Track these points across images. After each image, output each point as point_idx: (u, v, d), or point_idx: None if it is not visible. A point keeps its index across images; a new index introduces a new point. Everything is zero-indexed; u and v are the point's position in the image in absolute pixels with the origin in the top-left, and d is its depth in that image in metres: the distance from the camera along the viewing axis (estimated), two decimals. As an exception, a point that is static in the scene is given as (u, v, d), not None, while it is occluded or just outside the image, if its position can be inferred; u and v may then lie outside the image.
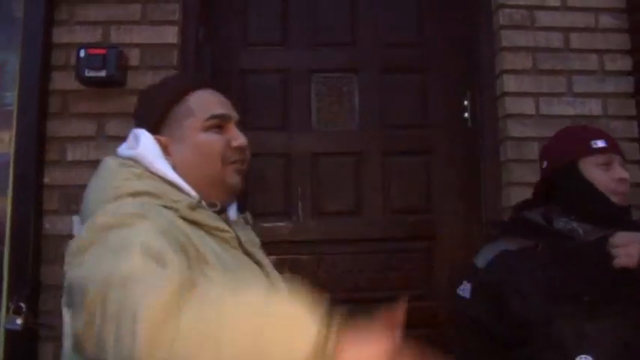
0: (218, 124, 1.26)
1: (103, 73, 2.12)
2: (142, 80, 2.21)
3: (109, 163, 1.21)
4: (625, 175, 1.68)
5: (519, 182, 2.30)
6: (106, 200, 1.11)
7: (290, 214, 2.41)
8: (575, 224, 1.70)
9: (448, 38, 2.54)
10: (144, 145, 1.22)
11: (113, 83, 2.18)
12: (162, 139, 1.23)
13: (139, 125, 1.27)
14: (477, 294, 1.69)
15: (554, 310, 1.58)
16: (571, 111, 2.38)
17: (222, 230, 1.17)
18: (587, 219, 1.69)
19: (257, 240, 1.31)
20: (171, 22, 2.28)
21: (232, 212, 1.31)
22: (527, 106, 2.36)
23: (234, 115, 1.29)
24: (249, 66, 2.47)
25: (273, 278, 1.22)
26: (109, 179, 1.16)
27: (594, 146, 1.70)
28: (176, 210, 1.12)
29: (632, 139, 2.39)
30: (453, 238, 2.43)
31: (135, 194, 1.12)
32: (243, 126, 1.30)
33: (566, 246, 1.67)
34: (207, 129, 1.25)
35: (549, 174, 1.77)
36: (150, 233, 0.97)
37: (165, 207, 1.11)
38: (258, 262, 1.21)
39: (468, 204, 2.44)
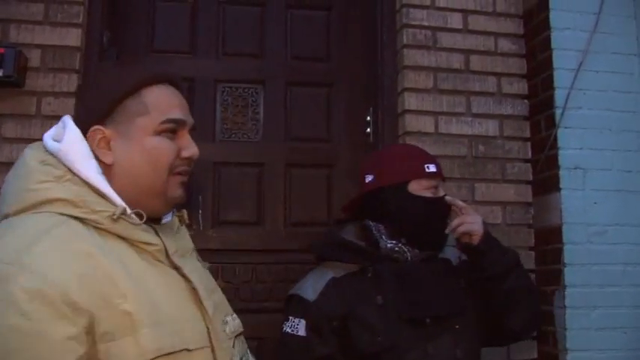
0: (172, 129, 1.22)
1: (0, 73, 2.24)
2: (42, 82, 2.39)
3: (27, 158, 1.16)
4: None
5: (416, 197, 2.58)
6: (20, 204, 1.12)
7: (190, 223, 2.60)
8: (405, 248, 1.86)
9: (354, 54, 2.84)
10: (69, 140, 1.18)
11: (10, 84, 2.30)
12: (107, 131, 1.20)
13: (85, 112, 1.23)
14: (317, 330, 1.75)
15: (399, 336, 1.72)
16: (469, 130, 2.69)
17: (147, 243, 1.16)
18: (417, 243, 1.86)
19: (189, 245, 1.32)
20: (74, 25, 2.44)
21: (167, 215, 1.30)
22: (426, 124, 2.66)
23: (190, 120, 1.26)
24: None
25: (201, 291, 1.20)
26: (25, 179, 1.14)
27: (427, 170, 1.88)
28: (96, 221, 1.12)
29: (526, 160, 2.72)
30: (351, 251, 2.68)
31: (51, 202, 1.11)
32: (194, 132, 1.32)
33: (399, 268, 1.81)
34: (159, 133, 1.21)
35: (374, 189, 1.89)
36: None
37: (84, 219, 1.11)
38: (184, 276, 1.19)
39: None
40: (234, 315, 1.33)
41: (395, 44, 2.76)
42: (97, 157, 1.19)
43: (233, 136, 2.72)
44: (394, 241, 1.86)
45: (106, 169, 1.19)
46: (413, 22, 2.71)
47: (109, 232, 1.13)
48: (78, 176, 1.15)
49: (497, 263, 1.82)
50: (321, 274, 1.85)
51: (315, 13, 2.85)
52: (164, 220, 1.28)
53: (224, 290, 2.44)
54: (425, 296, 1.78)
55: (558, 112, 2.56)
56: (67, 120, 1.23)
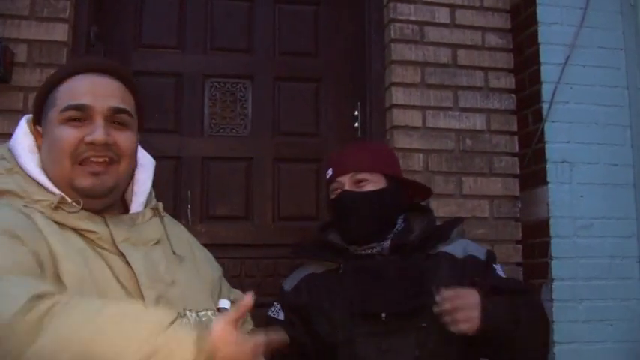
0: (74, 116, 1.23)
1: None
2: (28, 78, 2.38)
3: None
4: None
5: (404, 192, 2.59)
6: None
7: (179, 218, 2.59)
8: (346, 244, 1.91)
9: (342, 49, 2.85)
10: (15, 137, 1.29)
11: (-4, 78, 2.29)
12: (40, 129, 1.28)
13: (33, 111, 1.32)
14: (288, 316, 1.85)
15: (356, 329, 1.73)
16: (456, 125, 2.70)
17: (87, 231, 1.21)
18: (348, 239, 1.90)
19: (153, 235, 1.31)
20: (61, 20, 2.43)
21: (136, 205, 1.35)
22: (414, 119, 2.67)
23: (101, 104, 1.24)
24: (141, 67, 2.67)
25: (142, 278, 1.21)
26: None
27: (327, 177, 1.97)
28: (39, 210, 1.18)
29: (513, 154, 2.73)
30: (340, 245, 2.69)
31: (2, 193, 1.20)
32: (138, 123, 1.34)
33: (363, 265, 1.84)
34: (62, 122, 1.23)
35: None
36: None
37: (27, 207, 1.17)
38: (128, 263, 1.21)
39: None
40: (208, 312, 1.30)
41: (382, 39, 2.77)
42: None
43: (221, 131, 2.72)
44: (339, 237, 1.95)
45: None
46: (400, 17, 2.71)
47: (54, 221, 1.18)
48: (22, 169, 1.24)
49: (506, 330, 1.65)
50: (302, 270, 1.96)
51: (303, 8, 2.86)
52: (132, 210, 1.33)
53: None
54: (382, 292, 1.76)
55: (545, 106, 2.57)
56: (22, 119, 1.33)
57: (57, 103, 1.25)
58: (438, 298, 1.58)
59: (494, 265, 1.87)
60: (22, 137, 1.29)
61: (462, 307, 1.57)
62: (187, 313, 1.25)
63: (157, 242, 1.32)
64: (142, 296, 1.19)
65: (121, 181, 1.30)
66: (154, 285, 1.22)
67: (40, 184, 1.23)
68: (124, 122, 1.29)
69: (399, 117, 2.64)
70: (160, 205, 1.40)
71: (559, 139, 2.57)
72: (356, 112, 2.77)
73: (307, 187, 2.74)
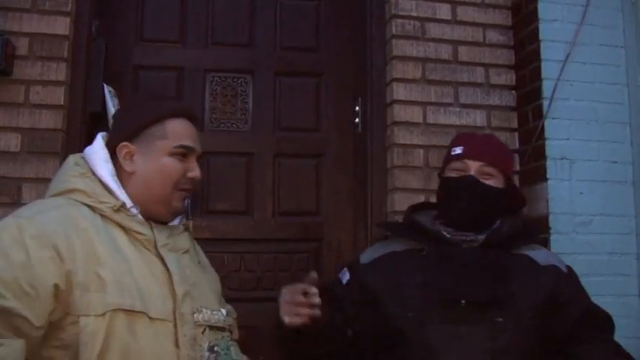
0: (183, 152, 1.58)
1: None
2: (30, 71, 2.37)
3: (69, 159, 1.58)
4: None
5: (404, 188, 2.60)
6: (55, 190, 1.52)
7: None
8: (442, 227, 1.95)
9: (343, 45, 2.84)
10: (92, 148, 1.59)
11: (-1, 72, 2.28)
12: (131, 147, 1.56)
13: (118, 130, 1.61)
14: (352, 286, 1.89)
15: (430, 314, 1.73)
16: (457, 121, 2.70)
17: (138, 232, 1.50)
18: (449, 222, 1.92)
19: (184, 245, 1.61)
20: (63, 13, 2.42)
21: (175, 220, 1.64)
22: (415, 115, 2.67)
23: (198, 149, 1.62)
24: (143, 62, 2.67)
25: (175, 278, 1.49)
26: (62, 173, 1.56)
27: (452, 153, 1.96)
28: (100, 210, 1.47)
29: (513, 151, 2.72)
30: (340, 240, 2.71)
31: (72, 191, 1.49)
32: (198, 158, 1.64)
33: (449, 251, 1.86)
34: (172, 154, 1.56)
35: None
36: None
37: (92, 206, 1.47)
38: (165, 265, 1.50)
39: (355, 207, 2.73)
40: (221, 311, 1.61)
41: (384, 35, 2.76)
42: (118, 165, 1.56)
43: (222, 125, 2.71)
44: (438, 221, 1.95)
45: (127, 175, 1.56)
46: (402, 13, 2.71)
47: (111, 220, 1.47)
48: (95, 175, 1.53)
49: None
50: (386, 245, 1.98)
51: (304, 3, 2.85)
52: (170, 224, 1.61)
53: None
54: (463, 279, 1.78)
55: (546, 103, 2.57)
56: (98, 135, 1.63)
57: (168, 137, 1.57)
58: None
59: (572, 277, 1.94)
60: (100, 150, 1.58)
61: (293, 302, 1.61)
62: (203, 309, 1.53)
63: (186, 251, 1.60)
64: (173, 292, 1.47)
65: None
66: (182, 283, 1.49)
67: (108, 190, 1.51)
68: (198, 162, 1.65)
69: (399, 113, 2.64)
70: (191, 222, 1.70)
71: (559, 136, 2.57)
72: (357, 108, 2.77)
73: (307, 183, 2.74)
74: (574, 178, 2.55)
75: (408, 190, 2.59)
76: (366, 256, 1.96)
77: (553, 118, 2.57)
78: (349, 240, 2.70)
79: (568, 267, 1.98)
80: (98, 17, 2.57)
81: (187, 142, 1.58)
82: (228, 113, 2.72)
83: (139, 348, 1.37)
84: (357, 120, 2.76)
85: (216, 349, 1.52)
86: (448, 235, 1.90)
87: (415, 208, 2.06)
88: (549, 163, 2.54)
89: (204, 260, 1.78)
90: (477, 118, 2.72)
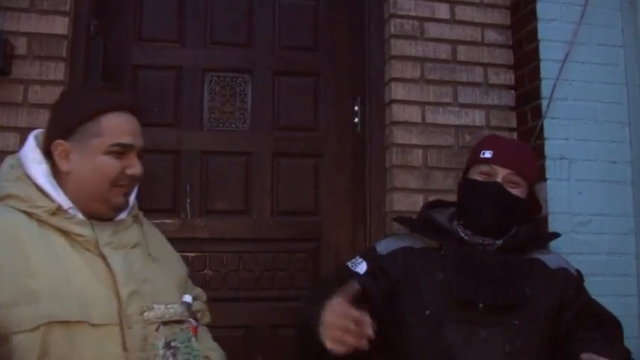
0: (120, 151, 1.51)
1: None
2: (28, 70, 2.37)
3: (6, 161, 1.53)
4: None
5: (403, 188, 2.60)
6: None
7: (178, 212, 2.61)
8: (459, 228, 1.93)
9: (341, 44, 2.84)
10: (25, 149, 1.53)
11: (-4, 71, 2.28)
12: (66, 145, 1.50)
13: (53, 127, 1.54)
14: (373, 274, 1.84)
15: (448, 314, 1.74)
16: (455, 120, 2.70)
17: (77, 234, 1.45)
18: (469, 225, 1.91)
19: (132, 240, 1.55)
20: (61, 13, 2.42)
21: (122, 213, 1.57)
22: (413, 114, 2.66)
23: (138, 144, 1.54)
24: (141, 61, 2.66)
25: (120, 277, 1.44)
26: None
27: (481, 156, 1.95)
28: (37, 215, 1.42)
29: (512, 151, 2.71)
30: (338, 240, 2.71)
31: (7, 197, 1.45)
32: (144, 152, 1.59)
33: (468, 252, 1.85)
34: (108, 153, 1.50)
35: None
36: None
37: (29, 212, 1.42)
38: (108, 264, 1.45)
39: (354, 207, 2.72)
40: (175, 305, 1.55)
41: (382, 34, 2.76)
42: (55, 164, 1.50)
43: (221, 125, 2.70)
44: (456, 222, 1.95)
45: (63, 175, 1.50)
46: (400, 13, 2.70)
47: (49, 224, 1.43)
48: (30, 178, 1.47)
49: None
50: (400, 239, 1.96)
51: (303, 2, 2.84)
52: (118, 218, 1.55)
53: (211, 279, 2.51)
54: (482, 282, 1.77)
55: (544, 102, 2.57)
56: (30, 134, 1.57)
57: (103, 135, 1.50)
58: None
59: (584, 284, 1.96)
60: (30, 151, 1.52)
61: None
62: (155, 306, 1.47)
63: (135, 245, 1.55)
64: (118, 293, 1.42)
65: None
66: (128, 282, 1.44)
67: (43, 192, 1.46)
68: (142, 155, 1.58)
69: (398, 112, 2.64)
70: (141, 213, 1.66)
71: (558, 136, 2.56)
72: (355, 107, 2.76)
73: (306, 182, 2.73)
74: (573, 178, 2.54)
75: (406, 189, 2.59)
76: (383, 247, 1.94)
77: (552, 118, 2.56)
78: (348, 239, 2.70)
79: (577, 270, 1.99)
80: (97, 17, 2.57)
81: (124, 140, 1.51)
82: (226, 113, 2.72)
83: (79, 358, 1.33)
84: (355, 120, 2.76)
85: (173, 344, 1.48)
86: (466, 237, 1.90)
87: (431, 206, 2.07)
88: (548, 163, 2.53)
89: (159, 249, 1.68)
90: (476, 118, 2.71)
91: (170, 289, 1.58)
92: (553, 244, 2.42)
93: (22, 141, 2.25)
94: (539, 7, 2.64)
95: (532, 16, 2.66)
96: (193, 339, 1.56)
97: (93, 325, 1.36)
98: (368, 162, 2.70)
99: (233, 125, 2.72)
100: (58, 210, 1.44)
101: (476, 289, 1.76)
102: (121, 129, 1.52)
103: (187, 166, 2.64)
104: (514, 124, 2.74)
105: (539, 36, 2.62)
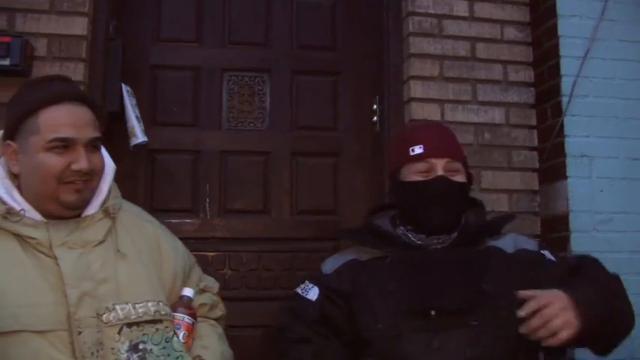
0: (60, 145, 1.41)
1: (7, 62, 2.23)
2: (48, 71, 2.36)
3: None
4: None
5: (422, 186, 2.56)
6: None
7: (197, 211, 2.62)
8: (410, 234, 1.81)
9: (360, 43, 2.82)
10: None
11: (17, 73, 2.28)
12: (14, 145, 1.45)
13: (4, 127, 1.49)
14: (326, 297, 1.76)
15: (402, 325, 1.64)
16: (475, 118, 2.67)
17: (29, 237, 1.39)
18: (423, 228, 1.79)
19: (94, 237, 1.46)
20: (80, 14, 2.42)
21: (89, 209, 1.49)
22: (432, 112, 2.65)
23: (84, 136, 1.44)
24: (160, 61, 2.67)
25: (68, 280, 1.37)
26: None
27: (411, 153, 1.78)
28: None
29: (532, 148, 2.70)
30: (357, 239, 2.67)
31: None
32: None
33: (414, 257, 1.74)
34: (48, 150, 1.41)
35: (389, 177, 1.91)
36: None
37: None
38: (59, 265, 1.38)
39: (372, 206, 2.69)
40: (148, 304, 1.44)
41: (401, 32, 2.74)
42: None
43: (239, 124, 2.70)
44: (403, 228, 1.84)
45: (17, 177, 1.45)
46: (419, 10, 2.69)
47: (3, 229, 1.38)
48: None
49: (606, 314, 1.54)
50: (344, 254, 1.87)
51: (321, 1, 2.83)
52: (85, 214, 1.48)
53: (230, 278, 2.51)
54: (433, 287, 1.66)
55: (565, 99, 2.54)
56: None
57: (40, 131, 1.41)
58: (521, 313, 1.47)
59: (542, 252, 1.81)
60: None
61: (555, 315, 1.44)
62: (117, 307, 1.39)
63: (101, 242, 1.46)
64: (65, 295, 1.35)
65: (93, 193, 1.50)
66: (79, 284, 1.36)
67: None
68: (97, 146, 1.49)
69: (417, 110, 2.62)
70: (112, 206, 1.53)
71: (579, 133, 2.53)
72: (374, 106, 2.75)
73: (325, 181, 2.72)
74: (594, 176, 2.52)
75: (426, 188, 2.56)
76: (328, 266, 1.85)
77: (572, 115, 2.54)
78: (367, 238, 2.67)
79: (538, 242, 1.87)
80: (115, 17, 2.57)
81: (63, 134, 1.41)
82: (245, 112, 2.71)
83: None
84: (374, 118, 2.74)
85: (141, 346, 1.38)
86: (418, 242, 1.80)
87: (372, 212, 1.96)
88: (569, 161, 2.50)
89: (135, 244, 1.55)
90: (496, 116, 2.69)
91: (141, 287, 1.47)
92: (573, 243, 2.41)
93: None
94: (559, 4, 2.61)
95: (552, 12, 2.63)
96: (175, 339, 1.46)
97: (38, 332, 1.29)
98: (387, 160, 2.67)
99: (252, 125, 2.71)
100: (9, 213, 1.39)
101: (425, 296, 1.64)
102: (59, 122, 1.42)
103: (206, 165, 2.64)
104: (534, 122, 2.72)
105: (559, 32, 2.60)
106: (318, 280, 1.82)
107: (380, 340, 1.66)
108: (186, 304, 1.56)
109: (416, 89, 2.63)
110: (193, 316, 1.56)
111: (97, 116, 1.52)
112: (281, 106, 2.73)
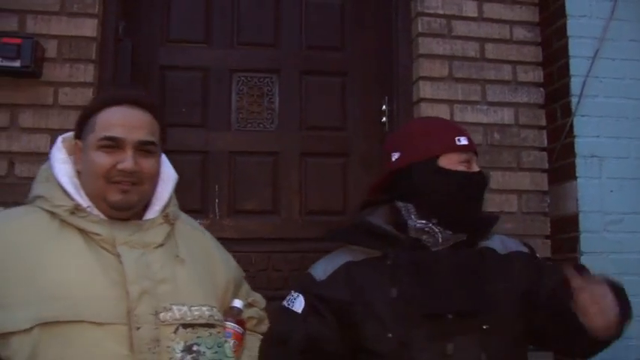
0: (109, 145, 1.47)
1: (17, 63, 2.24)
2: (58, 72, 2.39)
3: (45, 163, 1.56)
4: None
5: (431, 186, 2.56)
6: (28, 198, 1.52)
7: (207, 212, 2.62)
8: (436, 228, 1.68)
9: (369, 43, 2.82)
10: (52, 150, 1.56)
11: (28, 74, 2.30)
12: (79, 144, 1.52)
13: (75, 127, 1.57)
14: (314, 309, 1.63)
15: (413, 332, 1.54)
16: (484, 119, 2.67)
17: (94, 233, 1.43)
18: (449, 223, 1.67)
19: (155, 240, 1.50)
20: (90, 15, 2.44)
21: (150, 213, 1.55)
22: (442, 113, 2.64)
23: (132, 138, 1.47)
24: (169, 62, 2.67)
25: (130, 277, 1.40)
26: (36, 178, 1.55)
27: (458, 143, 1.71)
28: (58, 214, 1.43)
29: (542, 149, 2.70)
30: (367, 239, 2.67)
31: (37, 198, 1.48)
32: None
33: (420, 257, 1.63)
34: (98, 148, 1.47)
35: (403, 166, 1.73)
36: None
37: (49, 210, 1.44)
38: (121, 263, 1.41)
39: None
40: (202, 307, 1.48)
41: (410, 33, 2.74)
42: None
43: (249, 125, 2.70)
44: (424, 221, 1.68)
45: (80, 174, 1.51)
46: (428, 11, 2.69)
47: (69, 224, 1.43)
48: (55, 178, 1.49)
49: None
50: (337, 256, 1.73)
51: (330, 1, 2.83)
52: (145, 217, 1.53)
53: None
54: (446, 289, 1.57)
55: (574, 100, 2.53)
56: (58, 137, 1.59)
57: (95, 129, 1.48)
58: (577, 282, 1.41)
59: (536, 255, 1.79)
60: (56, 151, 1.55)
61: (605, 294, 1.41)
62: (174, 307, 1.42)
63: (160, 245, 1.50)
64: (127, 290, 1.38)
65: (143, 197, 1.53)
66: (140, 282, 1.40)
67: (65, 192, 1.46)
68: (150, 151, 1.52)
69: (426, 111, 2.62)
70: (172, 213, 1.59)
71: (588, 134, 2.53)
72: (383, 107, 2.74)
73: (334, 181, 2.72)
74: (604, 176, 2.51)
75: (435, 188, 2.55)
76: (320, 271, 1.71)
77: (582, 116, 2.53)
78: (376, 239, 2.67)
79: (528, 246, 1.81)
80: (125, 19, 2.58)
81: (113, 133, 1.46)
82: (254, 113, 2.72)
83: (73, 358, 1.30)
84: (383, 119, 2.74)
85: (195, 348, 1.40)
86: (440, 239, 1.68)
87: (362, 208, 1.84)
88: (579, 161, 2.50)
89: (193, 252, 1.59)
90: (505, 116, 2.69)
91: (197, 292, 1.50)
92: (583, 243, 2.40)
93: (54, 142, 2.30)
94: (569, 4, 2.61)
95: (561, 12, 2.62)
96: (227, 345, 1.48)
97: (97, 323, 1.32)
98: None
99: (261, 125, 2.72)
100: (76, 209, 1.44)
101: (440, 299, 1.56)
102: (111, 122, 1.48)
103: (215, 166, 2.64)
104: (543, 122, 2.71)
105: (569, 32, 2.59)
106: (306, 287, 1.69)
107: (390, 351, 1.55)
108: (236, 315, 1.58)
109: (425, 90, 2.63)
110: (243, 326, 1.58)
111: (156, 119, 1.56)
112: (290, 106, 2.73)
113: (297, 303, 1.66)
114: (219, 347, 1.46)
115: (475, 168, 1.72)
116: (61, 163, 1.51)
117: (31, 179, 2.19)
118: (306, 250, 2.64)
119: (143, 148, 1.50)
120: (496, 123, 2.67)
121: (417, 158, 1.71)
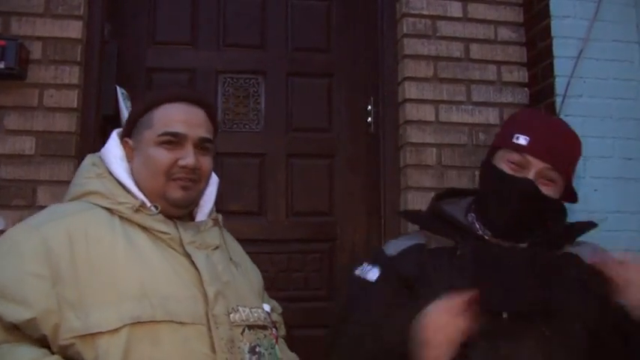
0: (170, 140, 1.45)
1: (1, 65, 2.23)
2: (43, 75, 2.38)
3: (86, 159, 1.53)
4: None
5: (417, 187, 2.58)
6: (73, 194, 1.47)
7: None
8: (477, 224, 1.66)
9: (354, 44, 2.83)
10: (107, 146, 1.53)
11: (12, 76, 2.29)
12: (130, 142, 1.51)
13: (125, 125, 1.57)
14: (387, 280, 1.61)
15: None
16: (469, 119, 2.68)
17: (162, 232, 1.42)
18: (485, 221, 1.64)
19: (214, 242, 1.51)
20: (76, 17, 2.43)
21: (201, 214, 1.55)
22: (427, 113, 2.65)
23: (193, 134, 1.47)
24: (155, 64, 2.67)
25: (205, 277, 1.39)
26: (79, 175, 1.51)
27: (514, 141, 1.60)
28: (120, 211, 1.40)
29: (527, 148, 2.69)
30: (353, 240, 2.70)
31: (89, 193, 1.43)
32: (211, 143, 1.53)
33: (489, 252, 1.58)
34: (158, 144, 1.46)
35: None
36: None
37: (110, 208, 1.40)
38: (193, 263, 1.41)
39: (368, 207, 2.71)
40: (261, 309, 1.52)
41: (395, 34, 2.75)
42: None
43: (234, 126, 2.71)
44: (472, 214, 1.68)
45: (134, 173, 1.48)
46: (413, 12, 2.69)
47: (131, 221, 1.39)
48: (112, 175, 1.46)
49: None
50: (410, 237, 1.73)
51: (315, 3, 2.84)
52: (197, 219, 1.53)
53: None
54: (507, 287, 1.49)
55: (559, 100, 2.54)
56: (113, 132, 1.57)
57: (153, 125, 1.47)
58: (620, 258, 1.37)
59: None
60: (114, 147, 1.52)
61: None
62: (240, 308, 1.43)
63: (217, 248, 1.50)
64: (204, 292, 1.37)
65: (199, 196, 1.53)
66: (213, 283, 1.39)
67: (125, 189, 1.44)
68: (208, 149, 1.52)
69: (411, 111, 2.62)
70: (220, 216, 1.60)
71: (573, 133, 2.53)
72: (369, 107, 2.75)
73: (320, 183, 2.72)
74: (588, 175, 2.52)
75: (420, 189, 2.57)
76: (392, 248, 1.68)
77: (566, 116, 2.54)
78: (362, 240, 2.69)
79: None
80: (110, 20, 2.58)
81: (174, 129, 1.45)
82: (240, 114, 2.72)
83: (163, 357, 1.27)
84: (369, 119, 2.75)
85: (258, 349, 1.41)
86: (485, 236, 1.64)
87: (441, 196, 1.78)
88: (563, 161, 2.50)
89: (239, 256, 1.66)
90: (490, 116, 2.69)
91: (251, 294, 1.53)
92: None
93: (39, 144, 2.30)
94: (553, 4, 2.62)
95: (545, 13, 2.63)
96: (277, 347, 1.51)
97: (181, 323, 1.31)
98: (382, 162, 2.68)
99: (247, 127, 2.72)
100: (142, 207, 1.41)
101: (499, 296, 1.48)
102: (172, 118, 1.47)
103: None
104: (529, 122, 2.71)
105: (553, 33, 2.60)
106: (379, 261, 1.67)
107: None
108: (269, 317, 1.59)
109: (410, 90, 2.64)
110: (275, 328, 1.60)
111: (211, 120, 1.56)
112: (276, 107, 2.73)
113: (371, 273, 1.65)
114: (272, 349, 1.48)
115: (528, 174, 1.58)
116: (120, 160, 1.49)
117: (16, 181, 2.25)
118: (292, 251, 2.65)
119: (202, 146, 1.49)
120: (481, 123, 2.67)
121: (489, 149, 1.71)
